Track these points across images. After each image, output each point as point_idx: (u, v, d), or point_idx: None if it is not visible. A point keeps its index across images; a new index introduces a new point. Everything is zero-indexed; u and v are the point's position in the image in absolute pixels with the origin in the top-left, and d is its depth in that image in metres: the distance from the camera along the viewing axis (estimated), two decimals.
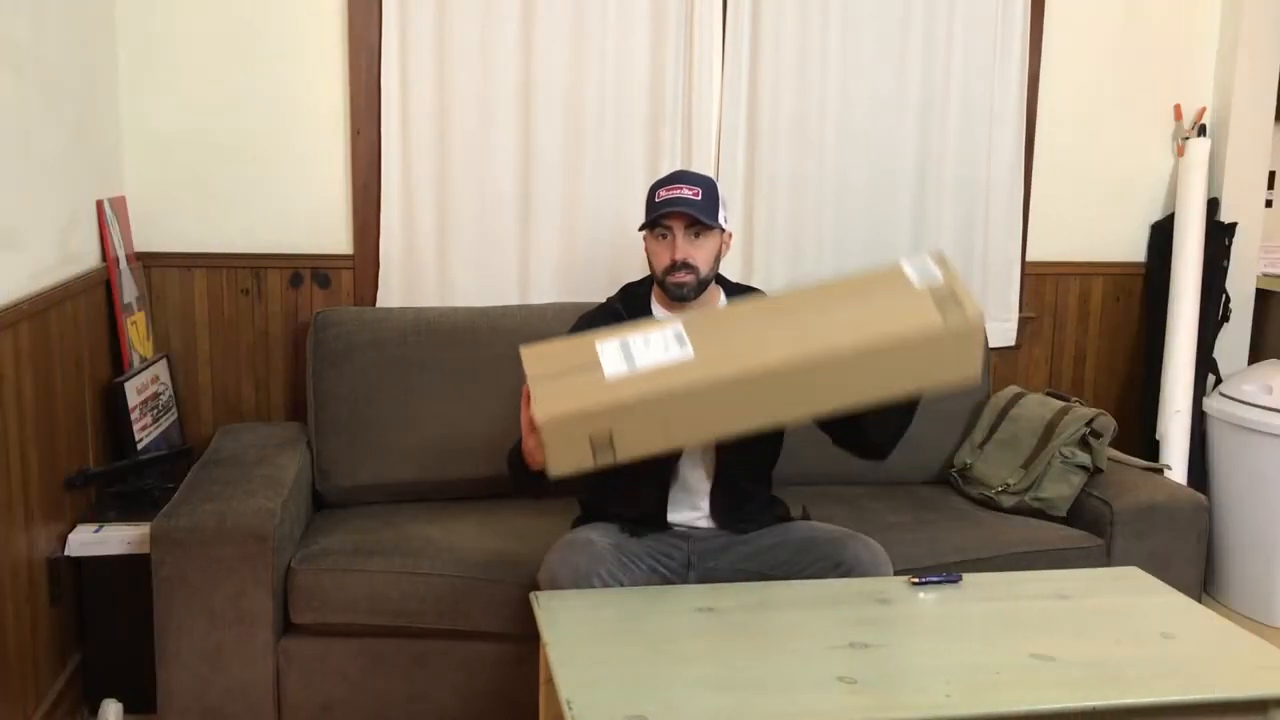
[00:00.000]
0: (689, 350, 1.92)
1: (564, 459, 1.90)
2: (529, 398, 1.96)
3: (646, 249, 2.39)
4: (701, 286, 2.34)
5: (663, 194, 2.32)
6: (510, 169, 3.22)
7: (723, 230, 2.37)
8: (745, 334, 1.98)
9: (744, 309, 2.10)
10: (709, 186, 2.34)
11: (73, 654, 2.69)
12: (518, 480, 2.26)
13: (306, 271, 3.22)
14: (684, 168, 3.25)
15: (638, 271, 2.47)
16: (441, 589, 2.47)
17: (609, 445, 1.90)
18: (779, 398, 1.94)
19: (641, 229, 2.38)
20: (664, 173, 2.78)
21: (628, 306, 2.43)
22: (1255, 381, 3.41)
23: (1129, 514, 2.76)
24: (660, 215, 2.30)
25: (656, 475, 2.31)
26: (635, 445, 1.91)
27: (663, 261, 2.33)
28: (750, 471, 2.38)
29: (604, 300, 2.54)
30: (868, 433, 2.25)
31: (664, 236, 2.32)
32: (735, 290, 2.49)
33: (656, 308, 2.42)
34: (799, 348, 1.91)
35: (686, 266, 2.30)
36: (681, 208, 2.28)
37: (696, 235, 2.31)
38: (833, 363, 1.91)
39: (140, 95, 3.09)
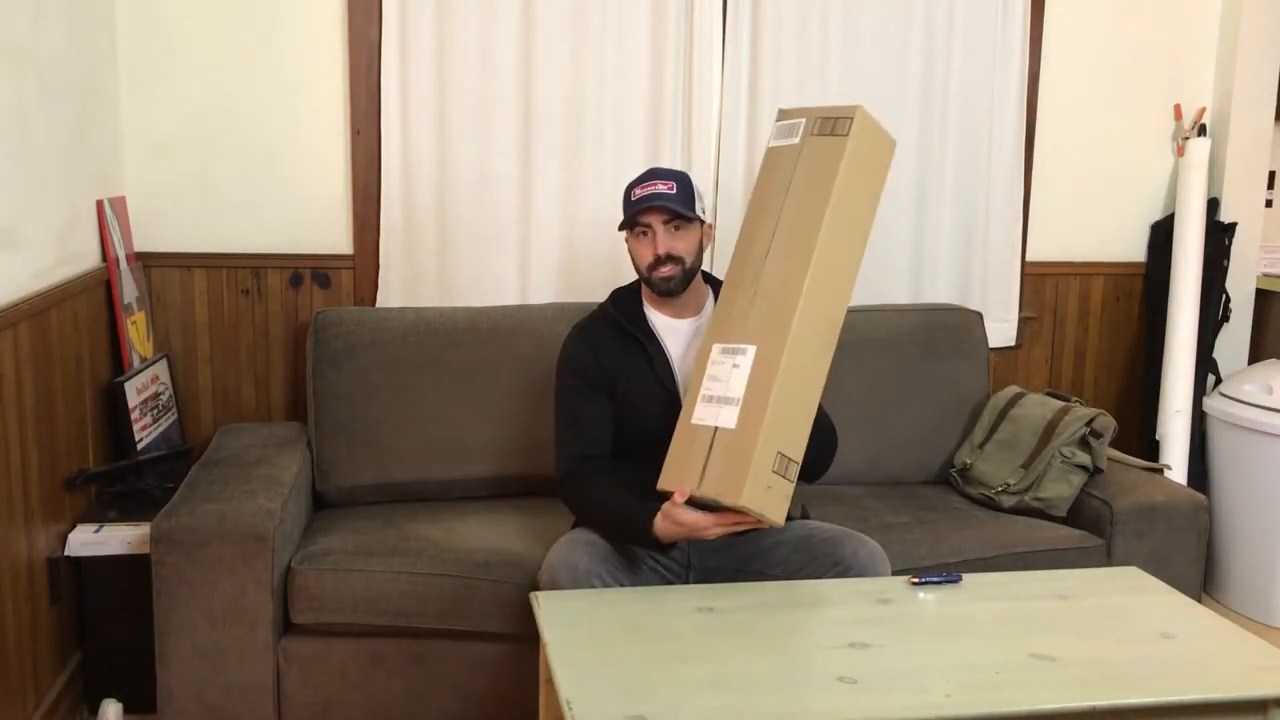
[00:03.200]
0: (749, 351, 2.10)
1: (770, 501, 2.04)
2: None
3: (629, 249, 2.40)
4: (688, 278, 2.36)
5: (638, 192, 2.33)
6: (510, 169, 3.22)
7: (703, 222, 2.39)
8: (760, 298, 2.14)
9: (731, 291, 2.23)
10: (683, 180, 2.36)
11: (73, 654, 2.69)
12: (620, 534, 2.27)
13: (306, 271, 3.22)
14: (684, 167, 3.25)
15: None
16: (441, 589, 2.47)
17: (786, 461, 2.06)
18: (831, 295, 2.15)
19: (621, 229, 2.38)
20: None
21: (621, 310, 2.43)
22: (1255, 381, 3.40)
23: (1129, 514, 2.76)
24: (637, 212, 2.32)
25: (653, 477, 2.31)
26: (795, 439, 2.07)
27: (646, 258, 2.34)
28: None
29: (597, 305, 2.54)
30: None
31: (644, 234, 2.34)
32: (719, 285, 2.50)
33: (649, 309, 2.43)
34: (803, 254, 2.11)
35: (671, 259, 2.32)
36: (658, 202, 2.29)
37: (676, 228, 2.33)
38: (828, 229, 2.12)
39: (140, 95, 3.09)
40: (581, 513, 2.37)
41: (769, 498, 2.02)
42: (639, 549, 2.25)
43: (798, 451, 2.08)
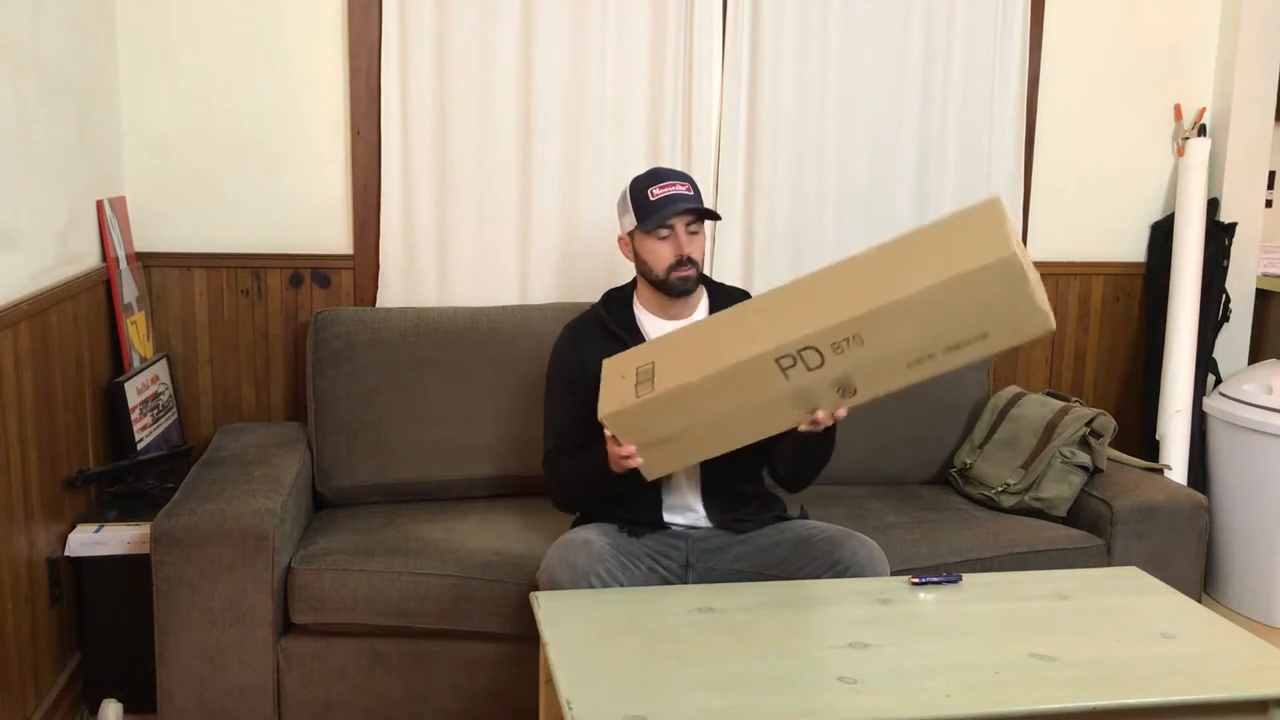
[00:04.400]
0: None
1: (610, 397, 2.08)
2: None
3: (638, 250, 2.40)
4: (700, 279, 2.42)
5: (658, 192, 2.34)
6: (510, 169, 3.21)
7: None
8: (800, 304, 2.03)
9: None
10: (693, 181, 2.40)
11: (73, 654, 2.69)
12: (598, 493, 2.34)
13: (306, 271, 3.22)
14: (684, 167, 3.25)
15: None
16: (441, 589, 2.47)
17: (650, 378, 2.03)
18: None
19: (638, 230, 2.37)
20: None
21: (611, 312, 2.45)
22: (1255, 381, 3.40)
23: (1129, 514, 2.76)
24: (668, 214, 2.32)
25: (640, 478, 2.32)
26: (669, 376, 2.03)
27: (666, 260, 2.35)
28: (739, 471, 2.37)
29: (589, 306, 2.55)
30: (777, 466, 2.37)
31: (665, 236, 2.34)
32: (716, 288, 2.52)
33: (640, 311, 2.44)
34: (851, 305, 1.93)
35: (691, 261, 2.35)
36: (688, 205, 2.33)
37: (694, 232, 2.36)
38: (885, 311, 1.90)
39: (140, 95, 3.09)
40: (558, 483, 2.42)
41: (612, 385, 2.11)
42: (639, 540, 2.29)
43: (664, 380, 2.04)
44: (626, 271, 2.53)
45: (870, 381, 2.00)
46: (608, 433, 2.12)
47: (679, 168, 3.22)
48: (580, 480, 2.35)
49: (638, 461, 2.11)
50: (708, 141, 3.30)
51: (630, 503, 2.34)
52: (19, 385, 2.35)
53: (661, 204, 2.32)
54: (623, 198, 2.42)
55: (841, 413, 2.08)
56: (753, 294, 2.60)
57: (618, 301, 2.48)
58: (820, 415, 2.06)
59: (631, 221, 2.38)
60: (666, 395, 2.02)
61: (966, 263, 1.85)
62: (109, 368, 2.90)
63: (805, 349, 1.94)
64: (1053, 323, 1.92)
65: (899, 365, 1.96)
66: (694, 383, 2.00)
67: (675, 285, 2.36)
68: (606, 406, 2.09)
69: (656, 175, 2.39)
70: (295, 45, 3.12)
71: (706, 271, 2.71)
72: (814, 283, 2.05)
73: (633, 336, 2.39)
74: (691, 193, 2.35)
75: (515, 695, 2.48)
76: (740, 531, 2.35)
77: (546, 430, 2.45)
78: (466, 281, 3.23)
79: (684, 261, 2.34)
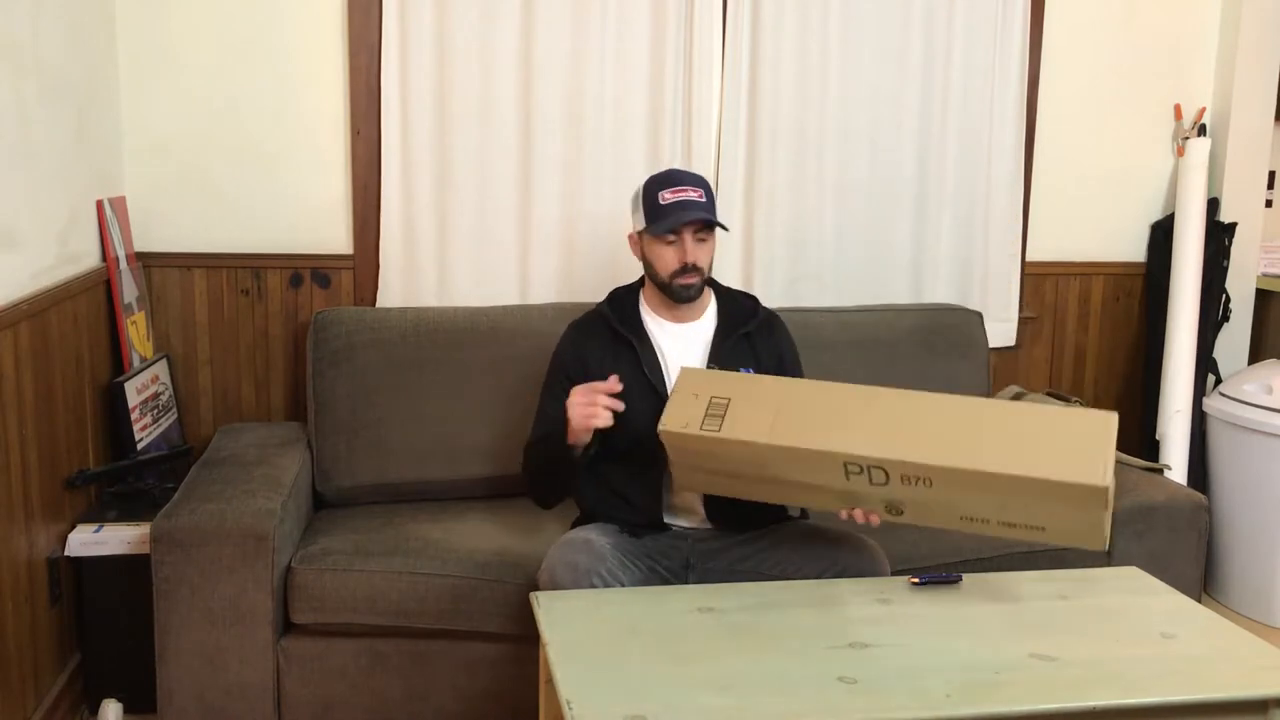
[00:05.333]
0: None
1: (677, 413, 2.07)
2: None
3: (645, 251, 2.39)
4: (704, 286, 2.40)
5: (669, 196, 2.33)
6: (510, 169, 3.21)
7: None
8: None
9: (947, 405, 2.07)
10: (707, 187, 2.38)
11: (73, 654, 2.69)
12: (551, 471, 2.35)
13: (306, 271, 3.22)
14: (684, 168, 3.24)
15: (638, 271, 2.47)
16: (441, 589, 2.47)
17: (721, 415, 2.03)
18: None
19: (645, 231, 2.37)
20: None
21: (615, 311, 2.44)
22: (1255, 381, 3.40)
23: (1129, 514, 2.76)
24: (675, 221, 2.31)
25: (650, 482, 2.32)
26: (742, 424, 2.02)
27: (670, 265, 2.34)
28: None
29: (594, 305, 2.54)
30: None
31: (672, 241, 2.34)
32: (724, 292, 2.50)
33: (646, 311, 2.43)
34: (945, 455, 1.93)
35: (696, 269, 2.34)
36: (698, 214, 2.31)
37: (702, 239, 2.35)
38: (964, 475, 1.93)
39: (140, 95, 3.09)
40: (526, 468, 2.44)
41: (686, 401, 2.10)
42: (640, 540, 2.29)
43: (733, 428, 2.05)
44: (627, 271, 2.53)
45: (919, 513, 2.03)
46: (579, 394, 2.16)
47: (682, 170, 3.22)
48: (542, 456, 2.35)
49: (603, 416, 2.15)
50: (708, 141, 3.30)
51: (631, 504, 2.34)
52: (19, 385, 2.35)
53: (670, 210, 2.32)
54: (636, 196, 2.41)
55: (876, 520, 2.10)
56: (753, 294, 2.61)
57: (623, 300, 2.47)
58: (857, 514, 2.09)
59: (641, 221, 2.37)
60: (730, 442, 2.03)
61: (1062, 472, 1.88)
62: (109, 368, 2.90)
63: (876, 467, 1.96)
64: (1105, 544, 1.97)
65: (952, 515, 2.01)
66: (760, 445, 2.01)
67: (677, 292, 2.35)
68: (671, 422, 2.08)
69: (670, 178, 2.38)
70: (295, 45, 3.12)
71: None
72: (912, 404, 2.05)
73: (638, 338, 2.38)
74: (703, 199, 2.33)
75: (515, 695, 2.48)
76: (741, 532, 2.35)
77: (536, 421, 2.44)
78: (466, 281, 3.23)
79: (688, 269, 2.33)
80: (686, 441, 2.08)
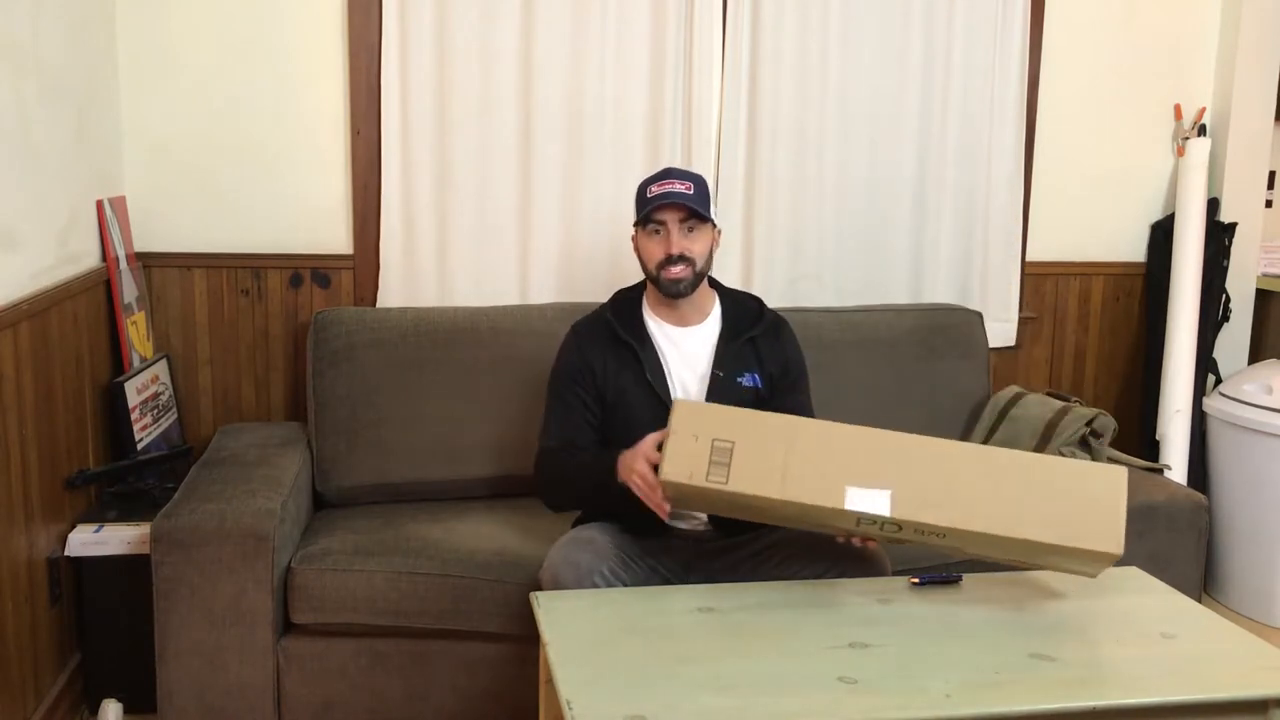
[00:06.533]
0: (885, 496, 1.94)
1: (678, 460, 1.95)
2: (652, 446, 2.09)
3: (637, 247, 2.39)
4: (697, 280, 2.35)
5: (655, 189, 2.32)
6: (510, 169, 3.21)
7: (714, 225, 2.38)
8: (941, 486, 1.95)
9: (957, 455, 2.01)
10: (700, 182, 2.35)
11: (73, 654, 2.69)
12: (590, 496, 2.33)
13: (306, 271, 3.22)
14: (684, 167, 3.24)
15: (638, 271, 2.47)
16: (441, 589, 2.47)
17: (727, 462, 1.94)
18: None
19: (636, 226, 2.37)
20: None
21: (619, 316, 2.42)
22: (1255, 381, 3.40)
23: (1129, 514, 2.73)
24: (654, 209, 2.30)
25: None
26: (751, 473, 1.93)
27: (656, 257, 2.33)
28: None
29: (599, 304, 2.53)
30: None
31: (657, 232, 2.33)
32: (729, 295, 2.49)
33: (649, 314, 2.42)
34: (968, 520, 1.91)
35: (683, 259, 2.31)
36: (676, 200, 2.29)
37: (690, 229, 2.32)
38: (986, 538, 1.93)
39: (140, 95, 3.09)
40: (552, 481, 2.38)
41: (686, 446, 1.96)
42: (641, 540, 2.29)
43: (739, 479, 1.95)
44: (627, 271, 2.52)
45: (921, 546, 2.04)
46: (644, 476, 2.07)
47: (679, 168, 3.22)
48: (580, 484, 2.32)
49: (667, 511, 2.09)
50: (708, 141, 3.30)
51: (633, 505, 2.34)
52: (19, 385, 2.35)
53: (652, 199, 2.31)
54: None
55: (874, 545, 2.12)
56: (753, 293, 2.61)
57: (626, 304, 2.45)
58: (855, 541, 2.10)
59: (634, 218, 2.37)
60: (738, 494, 1.95)
61: (1078, 539, 1.89)
62: (109, 368, 2.90)
63: (890, 522, 1.94)
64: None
65: (953, 550, 2.03)
66: (772, 499, 1.94)
67: (665, 285, 2.33)
68: (672, 471, 1.95)
69: (662, 173, 2.37)
70: (295, 45, 3.12)
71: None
72: (923, 453, 1.97)
73: (641, 344, 2.37)
74: (690, 191, 2.30)
75: (515, 695, 2.48)
76: (742, 533, 2.35)
77: (545, 428, 2.42)
78: (466, 281, 3.23)
79: (673, 259, 2.30)
80: (690, 491, 1.99)
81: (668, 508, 2.08)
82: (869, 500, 1.92)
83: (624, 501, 2.15)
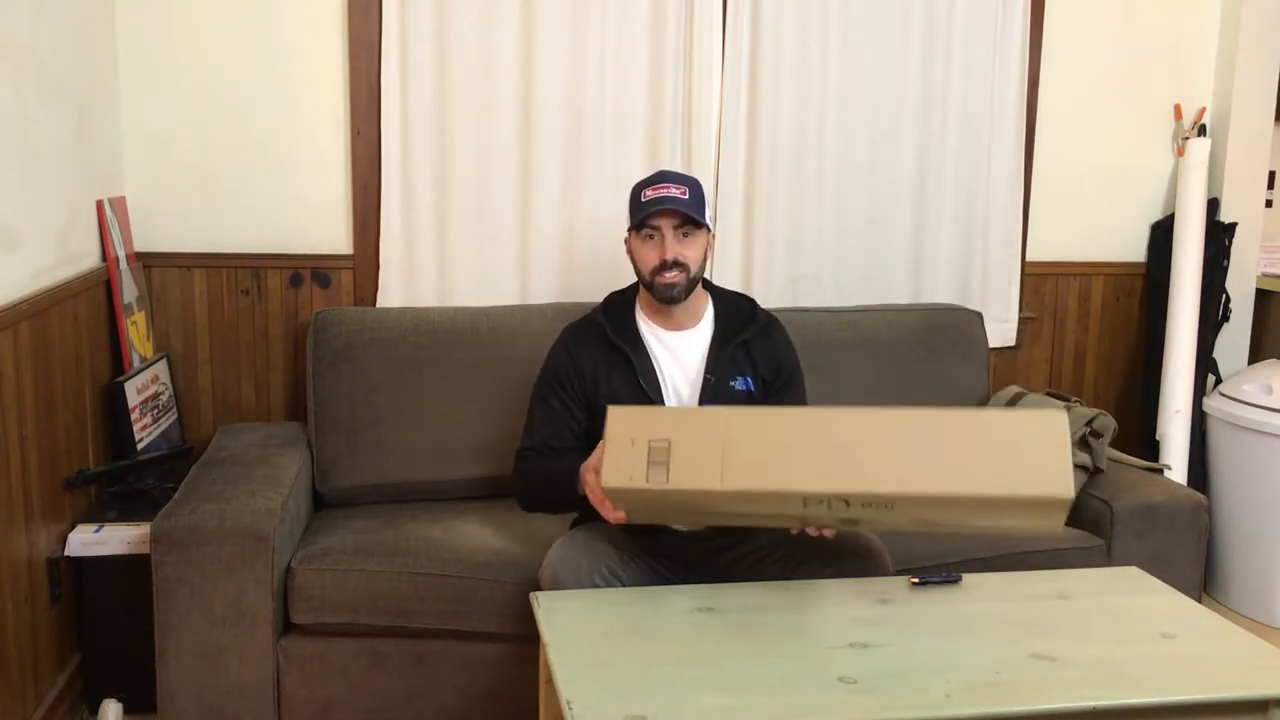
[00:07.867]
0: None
1: (617, 467, 1.91)
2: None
3: (631, 251, 2.39)
4: (691, 286, 2.34)
5: (649, 193, 2.31)
6: (510, 169, 3.21)
7: (709, 230, 2.37)
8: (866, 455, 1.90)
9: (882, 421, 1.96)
10: (695, 185, 2.34)
11: (73, 654, 2.69)
12: (554, 500, 2.34)
13: (306, 271, 3.22)
14: (684, 168, 3.25)
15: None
16: (441, 589, 2.47)
17: (665, 461, 1.90)
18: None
19: (630, 230, 2.37)
20: None
21: (611, 320, 2.41)
22: (1255, 381, 3.41)
23: (1129, 514, 2.76)
24: (649, 214, 2.30)
25: None
26: (689, 469, 1.89)
27: (650, 262, 2.32)
28: None
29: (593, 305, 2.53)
30: None
31: (651, 237, 2.32)
32: (722, 296, 2.49)
33: (641, 319, 2.42)
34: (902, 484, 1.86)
35: (677, 265, 2.30)
36: (672, 205, 2.27)
37: (685, 234, 2.31)
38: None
39: (140, 95, 3.09)
40: (525, 483, 2.39)
41: (623, 452, 1.92)
42: (640, 540, 2.28)
43: (680, 475, 1.91)
44: (627, 271, 2.52)
45: (874, 523, 2.00)
46: (592, 487, 2.05)
47: (679, 168, 3.22)
48: (547, 489, 2.33)
49: (621, 519, 2.06)
50: (708, 142, 3.30)
51: (596, 515, 2.33)
52: (19, 385, 2.35)
53: (647, 204, 2.30)
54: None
55: (830, 534, 2.08)
56: (753, 295, 2.61)
57: (619, 307, 2.44)
58: (810, 531, 2.05)
59: (629, 222, 2.37)
60: (680, 492, 1.92)
61: (1025, 486, 1.83)
62: (109, 368, 2.90)
63: (837, 499, 1.89)
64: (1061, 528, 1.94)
65: (907, 522, 1.97)
66: (714, 491, 1.90)
67: (659, 290, 2.31)
68: (611, 478, 1.91)
69: (656, 177, 2.36)
70: (295, 45, 3.12)
71: (707, 273, 2.66)
72: (862, 425, 1.93)
73: (633, 347, 2.37)
74: (686, 196, 2.29)
75: (515, 695, 2.48)
76: (741, 533, 2.35)
77: (526, 428, 2.42)
78: (466, 281, 3.23)
79: (668, 265, 2.28)
80: (634, 496, 1.95)
81: (622, 516, 2.04)
82: (810, 477, 1.87)
83: (590, 509, 2.15)
